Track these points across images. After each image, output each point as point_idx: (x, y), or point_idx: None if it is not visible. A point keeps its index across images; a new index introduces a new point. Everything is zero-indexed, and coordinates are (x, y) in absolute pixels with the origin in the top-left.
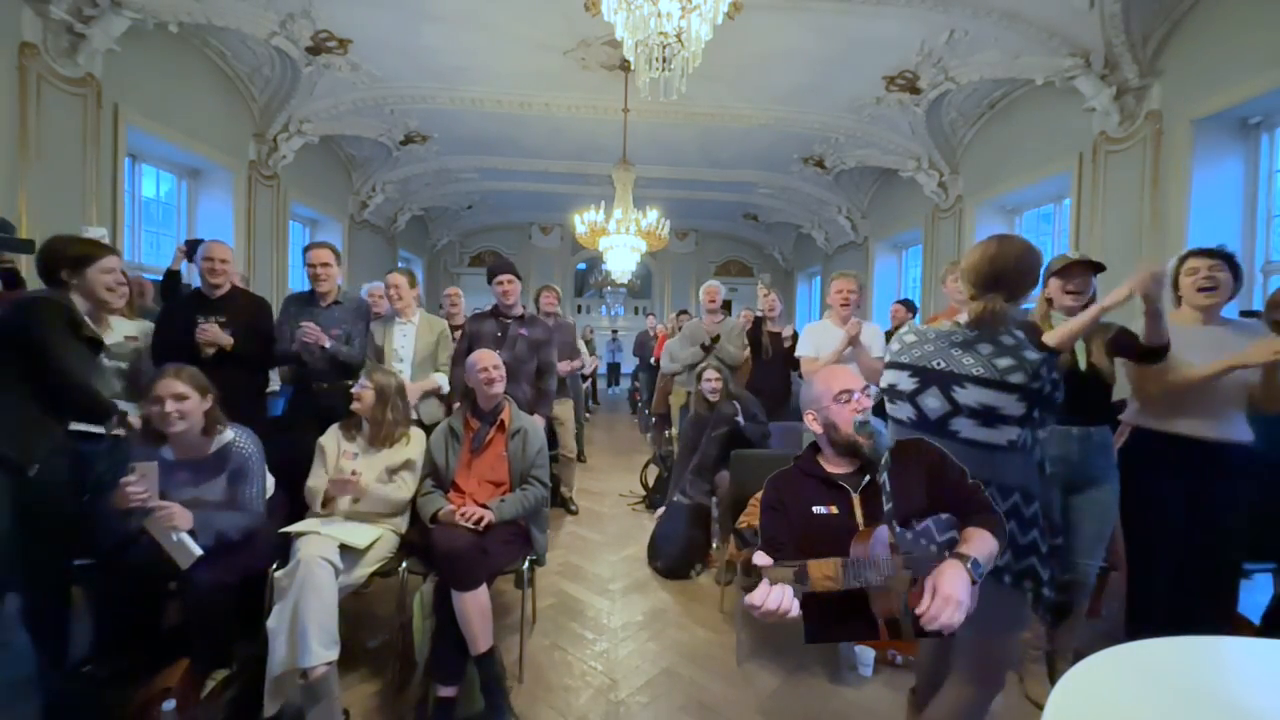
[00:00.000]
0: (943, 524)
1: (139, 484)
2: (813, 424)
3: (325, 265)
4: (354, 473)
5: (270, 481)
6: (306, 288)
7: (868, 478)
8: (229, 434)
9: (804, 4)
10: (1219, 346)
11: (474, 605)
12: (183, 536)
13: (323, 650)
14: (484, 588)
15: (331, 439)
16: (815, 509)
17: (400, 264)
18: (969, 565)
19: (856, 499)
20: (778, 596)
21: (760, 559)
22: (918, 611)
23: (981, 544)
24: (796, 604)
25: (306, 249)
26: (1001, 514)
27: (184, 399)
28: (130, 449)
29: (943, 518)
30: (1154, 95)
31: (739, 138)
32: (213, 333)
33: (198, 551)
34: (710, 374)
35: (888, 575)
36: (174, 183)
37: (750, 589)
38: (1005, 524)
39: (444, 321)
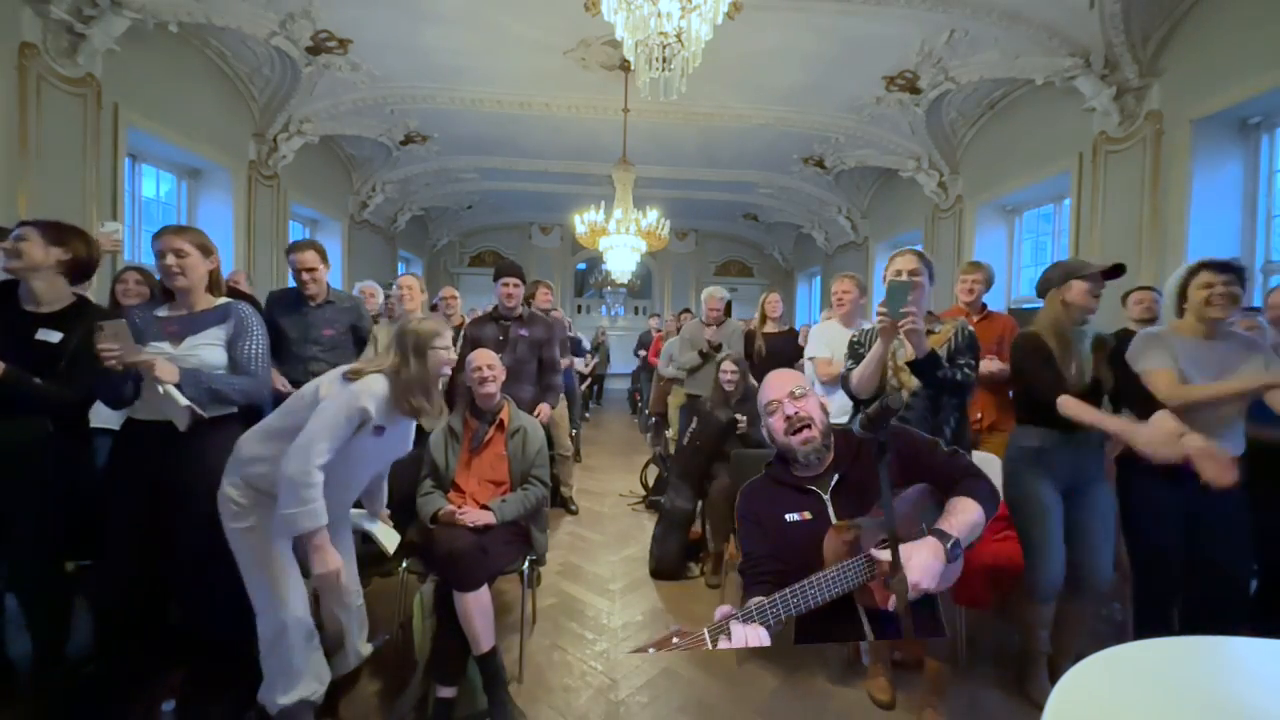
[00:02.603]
0: (920, 494)
1: (109, 341)
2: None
3: (312, 270)
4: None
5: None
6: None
7: (837, 476)
8: (230, 301)
9: (804, 4)
10: (1221, 361)
11: (475, 605)
12: (169, 389)
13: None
14: (485, 587)
15: None
16: (788, 517)
17: (400, 264)
18: (949, 545)
19: (829, 500)
20: (742, 636)
21: (722, 611)
22: (887, 585)
23: (964, 516)
24: (766, 635)
25: (289, 250)
26: (988, 478)
27: (184, 255)
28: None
29: (920, 487)
30: (1154, 95)
31: (739, 138)
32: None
33: (184, 402)
34: (727, 365)
35: (866, 576)
36: (174, 183)
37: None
38: (993, 487)
39: (449, 328)
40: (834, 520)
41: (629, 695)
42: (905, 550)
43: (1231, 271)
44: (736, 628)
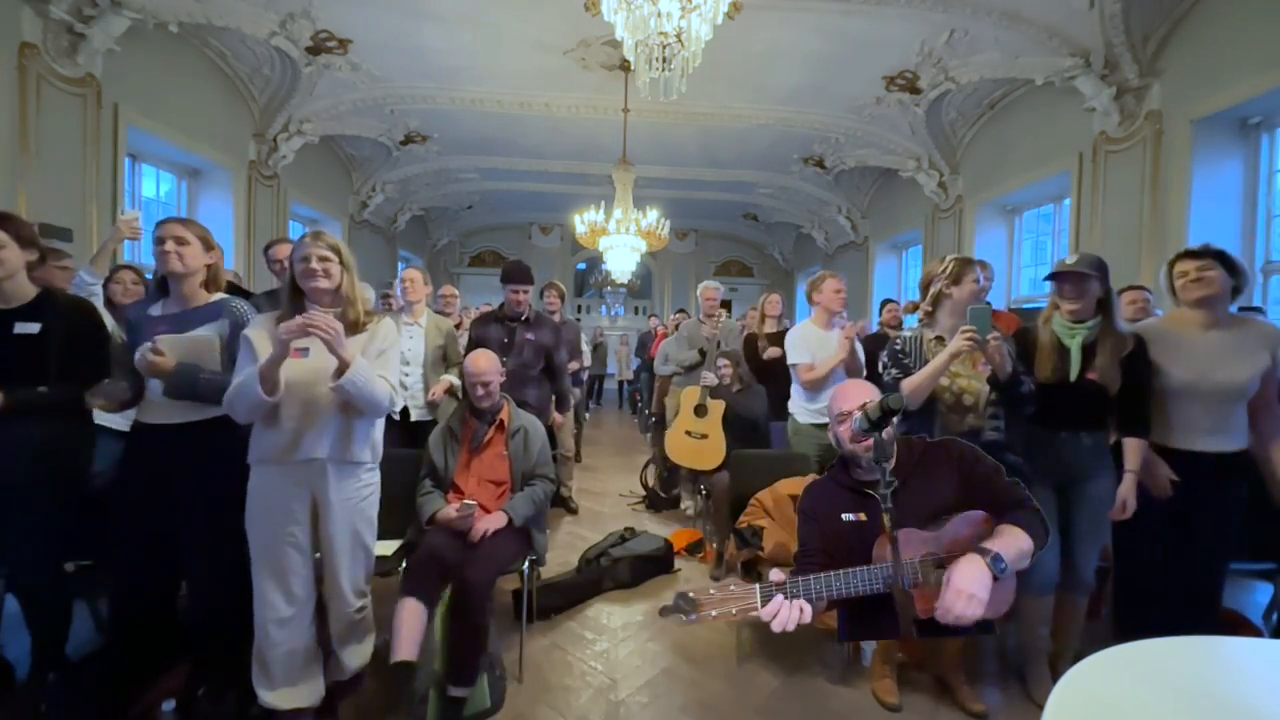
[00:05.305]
0: (972, 520)
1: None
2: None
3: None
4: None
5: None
6: None
7: (896, 483)
8: (225, 298)
9: (804, 4)
10: (1218, 352)
11: (405, 611)
12: (150, 384)
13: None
14: (415, 600)
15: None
16: (844, 516)
17: (400, 264)
18: (989, 560)
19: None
20: (784, 616)
21: (776, 575)
22: (935, 607)
23: (1010, 540)
24: (810, 611)
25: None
26: (1041, 512)
27: (185, 243)
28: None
29: (974, 514)
30: (1154, 95)
31: (739, 138)
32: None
33: (156, 398)
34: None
35: (918, 579)
36: (174, 183)
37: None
38: (1045, 521)
39: (450, 321)
40: (888, 525)
41: (629, 695)
42: (949, 569)
43: (1206, 256)
44: (783, 602)
